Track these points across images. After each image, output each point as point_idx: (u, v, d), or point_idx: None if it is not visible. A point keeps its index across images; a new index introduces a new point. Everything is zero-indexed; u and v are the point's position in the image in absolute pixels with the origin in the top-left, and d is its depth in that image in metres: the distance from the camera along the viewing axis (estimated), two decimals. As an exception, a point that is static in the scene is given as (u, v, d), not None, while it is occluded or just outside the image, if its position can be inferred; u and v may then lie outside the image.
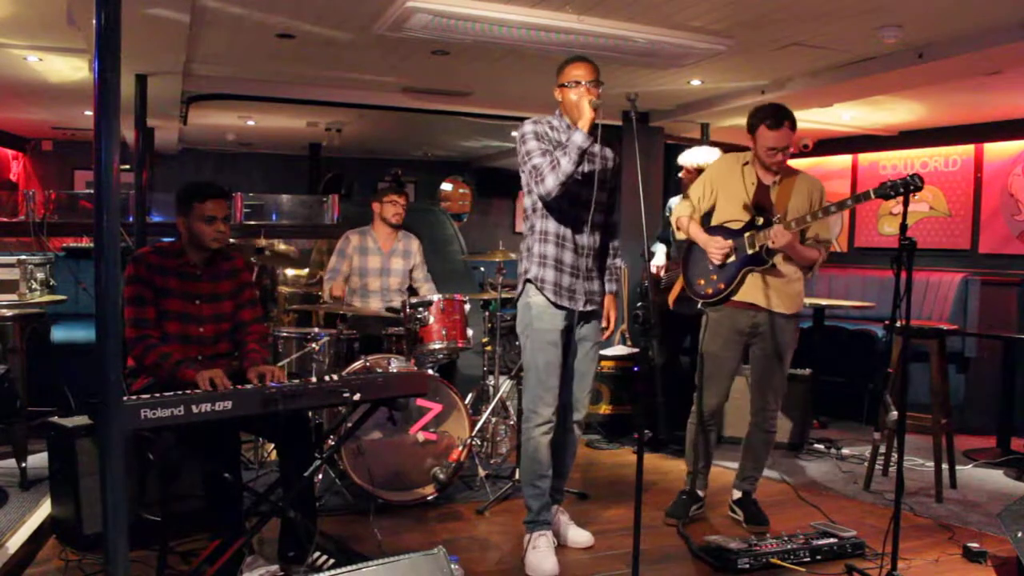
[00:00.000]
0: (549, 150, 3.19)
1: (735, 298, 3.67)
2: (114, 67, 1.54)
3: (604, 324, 3.47)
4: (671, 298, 4.98)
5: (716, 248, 3.64)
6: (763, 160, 3.61)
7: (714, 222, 3.75)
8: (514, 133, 7.57)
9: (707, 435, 3.82)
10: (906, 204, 3.08)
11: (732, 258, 3.65)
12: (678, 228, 3.85)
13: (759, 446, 3.82)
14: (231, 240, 5.33)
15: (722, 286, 3.68)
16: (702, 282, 3.76)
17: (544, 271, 3.30)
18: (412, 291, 4.99)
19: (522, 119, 3.36)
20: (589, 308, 3.37)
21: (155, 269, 3.11)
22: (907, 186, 3.06)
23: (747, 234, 3.62)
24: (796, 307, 3.69)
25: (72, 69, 5.47)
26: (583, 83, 3.19)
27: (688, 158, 4.94)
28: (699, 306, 3.84)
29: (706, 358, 3.75)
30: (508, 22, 4.09)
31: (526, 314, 3.33)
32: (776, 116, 3.52)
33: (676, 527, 3.70)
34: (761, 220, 3.59)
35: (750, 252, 3.61)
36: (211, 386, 2.83)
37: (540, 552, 3.20)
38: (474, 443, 4.22)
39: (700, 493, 3.91)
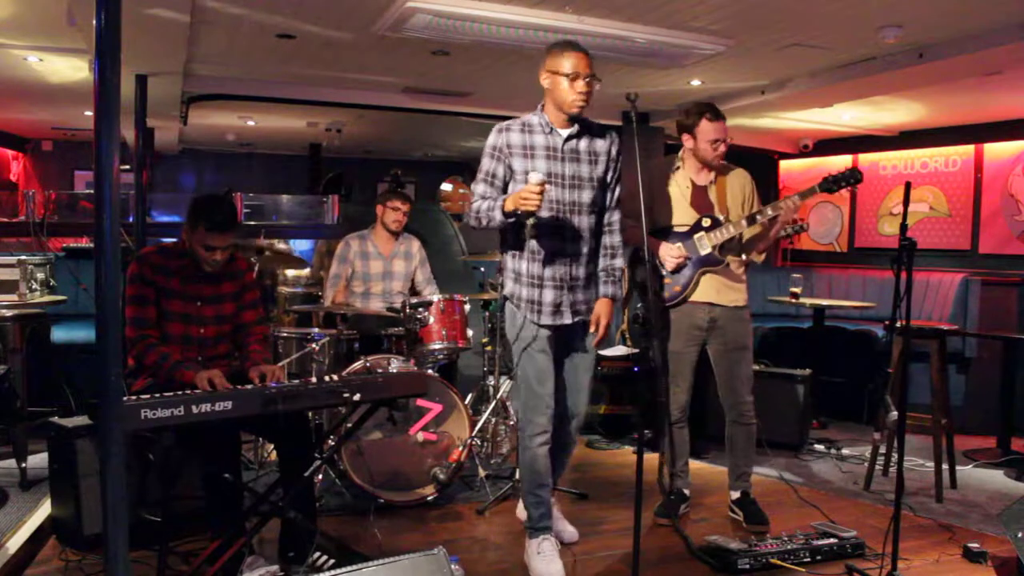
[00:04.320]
0: (491, 181, 3.12)
1: (691, 298, 3.74)
2: (114, 67, 1.54)
3: (592, 329, 3.23)
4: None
5: (671, 256, 3.68)
6: (705, 155, 3.67)
7: (657, 227, 3.76)
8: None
9: (679, 434, 3.86)
10: (906, 204, 3.09)
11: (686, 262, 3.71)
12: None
13: (742, 440, 3.84)
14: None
15: (678, 289, 3.74)
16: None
17: (519, 288, 3.19)
18: (414, 292, 4.98)
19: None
20: (577, 319, 3.21)
21: (158, 269, 3.10)
22: (848, 179, 3.52)
23: (697, 235, 3.69)
24: (745, 299, 3.80)
25: (72, 69, 5.47)
26: (581, 76, 2.99)
27: None
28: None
29: (670, 357, 3.79)
30: (508, 22, 4.09)
31: (512, 323, 3.24)
32: (714, 109, 3.64)
33: (674, 527, 3.70)
34: (708, 221, 3.68)
35: (704, 253, 3.68)
36: (210, 387, 2.83)
37: (545, 557, 3.16)
38: (474, 443, 4.22)
39: (686, 492, 3.94)
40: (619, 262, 3.31)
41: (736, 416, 3.81)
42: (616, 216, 3.29)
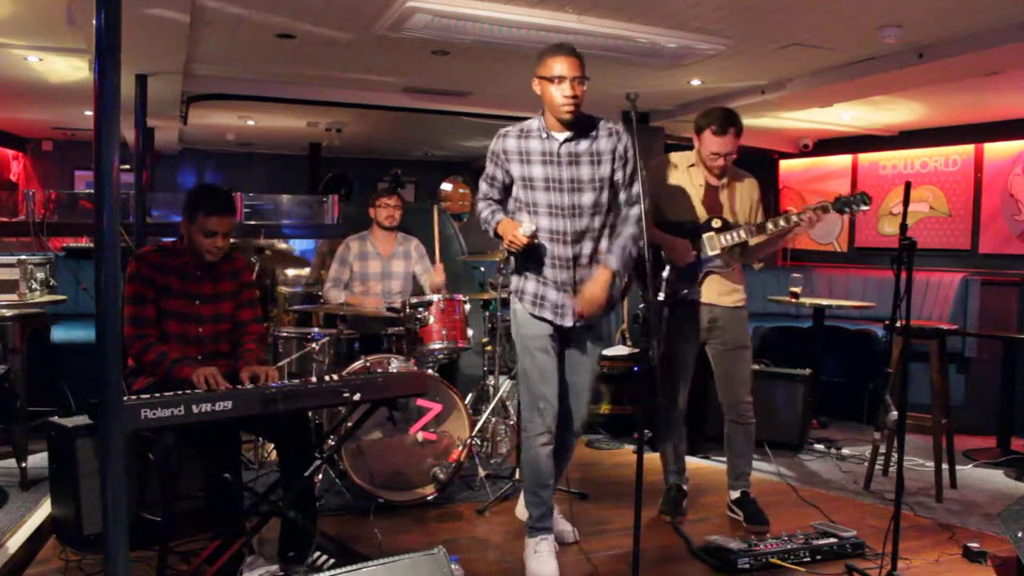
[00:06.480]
0: (492, 183, 3.24)
1: (693, 297, 3.75)
2: (114, 67, 1.54)
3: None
4: None
5: (684, 253, 3.67)
6: (705, 163, 3.71)
7: (665, 220, 3.77)
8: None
9: (675, 429, 3.87)
10: (906, 204, 3.09)
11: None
12: None
13: (740, 439, 3.84)
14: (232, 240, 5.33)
15: (682, 286, 3.73)
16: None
17: (524, 283, 3.22)
18: (417, 286, 5.00)
19: (522, 119, 3.27)
20: (579, 323, 3.17)
21: (157, 268, 3.11)
22: (858, 203, 3.55)
23: (706, 235, 3.70)
24: (744, 299, 3.81)
25: (72, 69, 5.47)
26: (567, 79, 2.94)
27: None
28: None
29: (667, 353, 3.79)
30: (508, 22, 4.09)
31: (514, 320, 3.28)
32: (722, 122, 3.62)
33: (675, 525, 3.70)
34: (719, 223, 3.69)
35: (711, 254, 3.70)
36: (206, 385, 2.83)
37: (541, 557, 3.18)
38: (474, 443, 4.22)
39: (684, 486, 3.95)
40: (622, 240, 3.15)
41: (735, 416, 3.82)
42: (635, 211, 3.13)
